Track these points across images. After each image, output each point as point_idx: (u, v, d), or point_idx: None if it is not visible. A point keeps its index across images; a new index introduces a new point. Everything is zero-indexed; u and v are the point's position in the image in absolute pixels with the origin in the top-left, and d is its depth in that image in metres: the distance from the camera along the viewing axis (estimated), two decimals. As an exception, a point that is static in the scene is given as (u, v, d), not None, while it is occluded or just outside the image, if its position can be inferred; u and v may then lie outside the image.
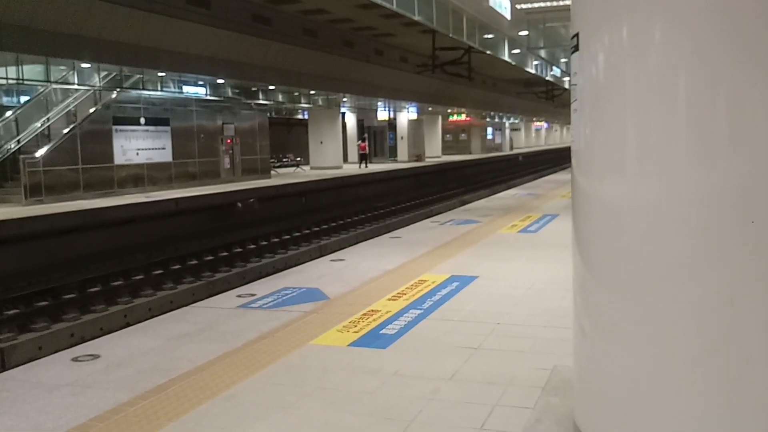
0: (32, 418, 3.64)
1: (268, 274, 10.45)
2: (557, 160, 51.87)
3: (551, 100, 43.60)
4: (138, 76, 20.00)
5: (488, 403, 3.64)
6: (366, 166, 31.97)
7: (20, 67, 17.01)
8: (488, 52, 25.41)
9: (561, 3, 18.61)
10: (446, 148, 48.20)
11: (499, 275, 6.96)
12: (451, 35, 21.45)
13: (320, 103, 31.15)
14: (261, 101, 27.69)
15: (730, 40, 2.33)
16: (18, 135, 17.78)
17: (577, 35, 2.74)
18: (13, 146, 17.48)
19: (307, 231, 18.19)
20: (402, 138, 37.64)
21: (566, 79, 38.32)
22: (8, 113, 18.37)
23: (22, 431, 3.50)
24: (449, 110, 46.31)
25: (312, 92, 28.72)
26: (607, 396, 2.73)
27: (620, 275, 2.63)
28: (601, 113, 2.65)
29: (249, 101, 26.30)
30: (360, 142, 34.20)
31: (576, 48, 2.75)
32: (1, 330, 9.22)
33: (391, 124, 38.37)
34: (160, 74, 20.32)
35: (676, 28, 2.40)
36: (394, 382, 4.02)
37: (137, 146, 19.00)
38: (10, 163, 17.02)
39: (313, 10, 21.08)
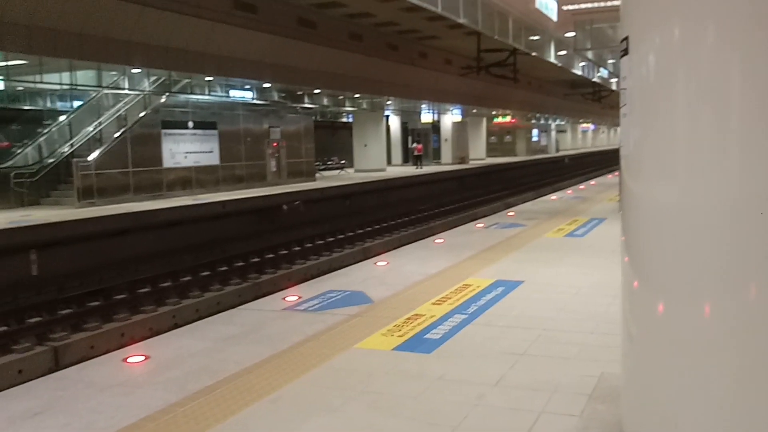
0: (85, 417, 3.74)
1: (313, 277, 10.53)
2: (604, 162, 51.12)
3: (598, 101, 43.01)
4: (186, 80, 20.36)
5: (534, 410, 3.61)
6: (417, 168, 32.11)
7: (73, 73, 17.50)
8: (534, 53, 25.21)
9: (608, 3, 18.37)
10: (491, 150, 47.89)
11: (545, 280, 6.89)
12: (496, 37, 21.34)
13: (364, 106, 31.28)
14: (306, 105, 27.93)
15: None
16: (71, 139, 18.28)
17: (626, 39, 2.71)
18: (66, 150, 17.98)
19: (351, 234, 18.27)
20: (446, 140, 37.51)
21: (614, 80, 37.76)
22: (62, 118, 18.89)
23: (76, 430, 3.60)
24: (494, 112, 46.02)
25: (357, 95, 28.85)
26: (655, 404, 2.69)
27: (671, 280, 2.59)
28: (652, 117, 2.61)
29: (295, 105, 26.54)
30: (416, 144, 34.49)
31: (626, 52, 2.72)
32: (55, 329, 9.48)
33: (435, 126, 38.31)
34: (207, 79, 20.65)
35: (727, 31, 2.36)
36: (438, 386, 4.02)
37: (185, 150, 19.34)
38: (63, 166, 17.50)
39: (359, 13, 21.17)
